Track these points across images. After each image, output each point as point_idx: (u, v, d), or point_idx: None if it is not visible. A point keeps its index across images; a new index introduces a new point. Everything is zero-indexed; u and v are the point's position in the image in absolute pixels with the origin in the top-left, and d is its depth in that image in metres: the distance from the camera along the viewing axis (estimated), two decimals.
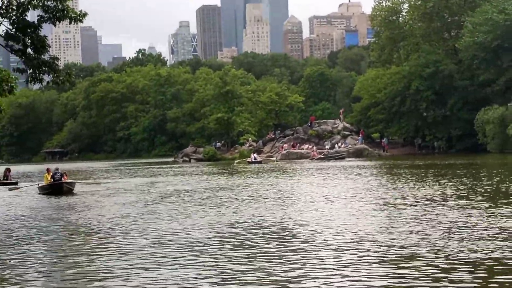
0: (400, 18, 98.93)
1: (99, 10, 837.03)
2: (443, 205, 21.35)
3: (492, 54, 78.25)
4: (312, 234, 16.09)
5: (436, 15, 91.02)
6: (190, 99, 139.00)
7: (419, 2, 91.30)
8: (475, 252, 12.96)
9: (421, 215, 18.78)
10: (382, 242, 14.45)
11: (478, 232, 15.31)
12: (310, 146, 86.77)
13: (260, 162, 73.56)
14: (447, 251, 13.11)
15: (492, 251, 12.94)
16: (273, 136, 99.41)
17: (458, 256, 12.64)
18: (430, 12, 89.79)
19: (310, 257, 13.19)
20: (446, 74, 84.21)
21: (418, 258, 12.54)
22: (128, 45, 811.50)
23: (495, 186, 28.25)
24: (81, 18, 25.24)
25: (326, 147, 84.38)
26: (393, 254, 13.11)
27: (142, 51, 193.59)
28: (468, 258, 12.38)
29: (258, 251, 14.16)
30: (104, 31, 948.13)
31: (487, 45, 77.33)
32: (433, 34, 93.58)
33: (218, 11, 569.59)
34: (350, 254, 13.21)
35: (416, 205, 21.53)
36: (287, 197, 26.75)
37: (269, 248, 14.47)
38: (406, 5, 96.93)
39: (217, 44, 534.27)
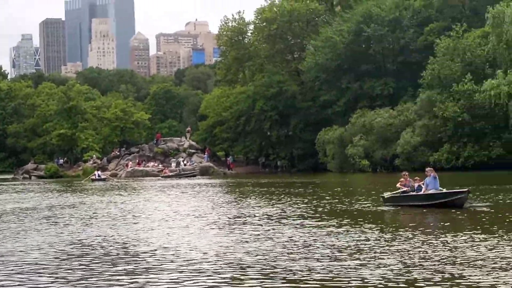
0: (246, 39, 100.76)
1: None
2: (283, 223, 21.81)
3: (333, 75, 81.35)
4: (151, 254, 15.93)
5: (279, 37, 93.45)
6: (32, 114, 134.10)
7: (263, 24, 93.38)
8: (310, 271, 13.30)
9: (261, 233, 19.10)
10: (219, 261, 14.52)
11: (314, 251, 15.73)
12: (156, 164, 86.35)
13: (104, 179, 72.18)
14: (282, 270, 13.36)
15: (324, 269, 13.32)
16: (118, 153, 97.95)
17: (292, 275, 12.91)
18: (274, 34, 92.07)
19: (147, 276, 13.04)
20: (289, 95, 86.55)
21: (252, 277, 12.70)
22: None
23: (333, 204, 29.23)
24: None
25: (172, 164, 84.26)
26: (229, 273, 13.19)
27: None
28: (301, 277, 12.68)
29: (94, 271, 13.82)
30: None
31: (328, 66, 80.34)
32: (277, 56, 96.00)
33: (62, 25, 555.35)
34: (186, 274, 13.18)
35: (256, 223, 21.86)
36: (130, 215, 26.35)
37: (105, 268, 14.16)
38: (251, 26, 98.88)
39: (61, 59, 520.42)
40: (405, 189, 27.79)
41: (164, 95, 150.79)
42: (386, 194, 28.25)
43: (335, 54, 79.34)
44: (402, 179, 28.57)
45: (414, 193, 27.29)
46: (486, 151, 63.27)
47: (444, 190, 26.28)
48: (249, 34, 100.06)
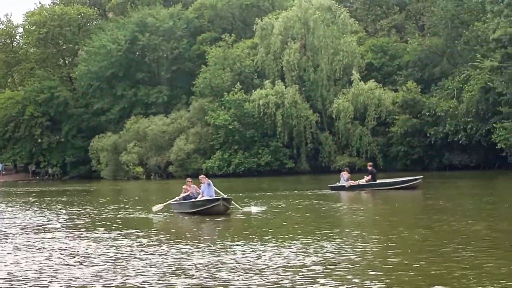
0: (15, 42, 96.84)
1: None
2: (45, 234, 21.17)
3: (107, 83, 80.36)
4: None
5: (51, 41, 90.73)
6: None
7: (33, 28, 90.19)
8: (82, 279, 13.10)
9: (20, 246, 18.44)
10: None
11: (87, 261, 15.51)
12: None
13: None
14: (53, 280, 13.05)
15: (98, 279, 13.19)
16: None
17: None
18: (44, 38, 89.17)
19: None
20: (61, 101, 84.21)
21: None
22: None
23: (103, 213, 28.85)
24: None
25: None
26: None
27: None
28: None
29: None
30: None
31: (101, 74, 79.21)
32: (48, 60, 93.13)
33: None
34: None
35: (18, 235, 21.04)
36: None
37: None
38: (21, 29, 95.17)
39: None
40: (184, 195, 28.00)
41: None
42: (155, 208, 28.27)
43: (109, 62, 78.47)
44: (185, 186, 28.77)
45: (183, 201, 27.68)
46: (255, 158, 65.92)
47: (222, 196, 26.60)
48: (18, 37, 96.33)
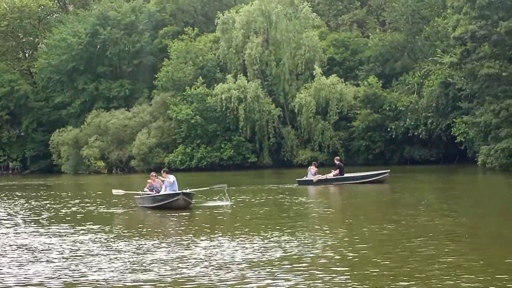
0: None
1: None
2: (9, 228, 20.83)
3: (68, 76, 79.30)
4: None
5: (10, 34, 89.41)
6: None
7: None
8: (39, 276, 12.90)
9: None
10: None
11: (45, 257, 15.28)
12: None
13: None
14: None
15: (56, 276, 13.00)
16: None
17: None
18: (4, 31, 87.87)
19: None
20: (21, 94, 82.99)
21: None
22: None
23: (62, 208, 28.46)
24: None
25: None
26: None
27: None
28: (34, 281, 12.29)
29: None
30: None
31: (62, 67, 78.14)
32: (8, 53, 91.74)
33: None
34: None
35: None
36: None
37: None
38: None
39: None
40: (148, 191, 27.71)
41: None
42: (115, 191, 28.78)
43: (70, 56, 77.40)
44: (149, 180, 28.41)
45: (146, 195, 27.40)
46: (218, 152, 65.80)
47: (182, 191, 26.29)
48: None
